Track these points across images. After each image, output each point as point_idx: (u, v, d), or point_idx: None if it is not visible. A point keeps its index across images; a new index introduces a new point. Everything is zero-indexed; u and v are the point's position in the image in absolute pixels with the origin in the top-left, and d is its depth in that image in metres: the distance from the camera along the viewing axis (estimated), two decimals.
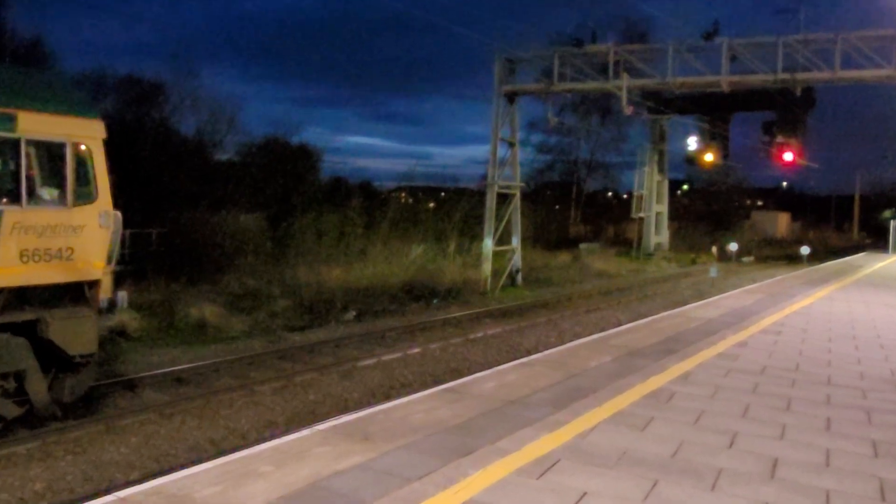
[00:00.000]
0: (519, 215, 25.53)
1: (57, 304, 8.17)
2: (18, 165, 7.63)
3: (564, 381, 7.56)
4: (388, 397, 10.52)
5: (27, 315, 7.85)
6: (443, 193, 33.52)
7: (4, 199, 7.64)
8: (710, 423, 6.22)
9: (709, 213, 56.82)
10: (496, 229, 23.92)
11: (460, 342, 14.92)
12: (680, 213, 48.98)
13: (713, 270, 25.67)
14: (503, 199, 24.81)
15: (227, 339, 14.42)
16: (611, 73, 22.80)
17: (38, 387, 8.00)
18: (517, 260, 25.11)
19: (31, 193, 7.80)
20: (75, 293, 8.38)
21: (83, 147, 8.21)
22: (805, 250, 35.64)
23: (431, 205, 30.88)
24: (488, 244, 23.53)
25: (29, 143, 7.74)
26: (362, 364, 12.61)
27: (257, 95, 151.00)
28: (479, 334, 15.79)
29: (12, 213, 7.56)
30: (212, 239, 21.74)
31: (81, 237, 8.10)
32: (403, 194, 31.60)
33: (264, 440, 7.80)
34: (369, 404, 9.80)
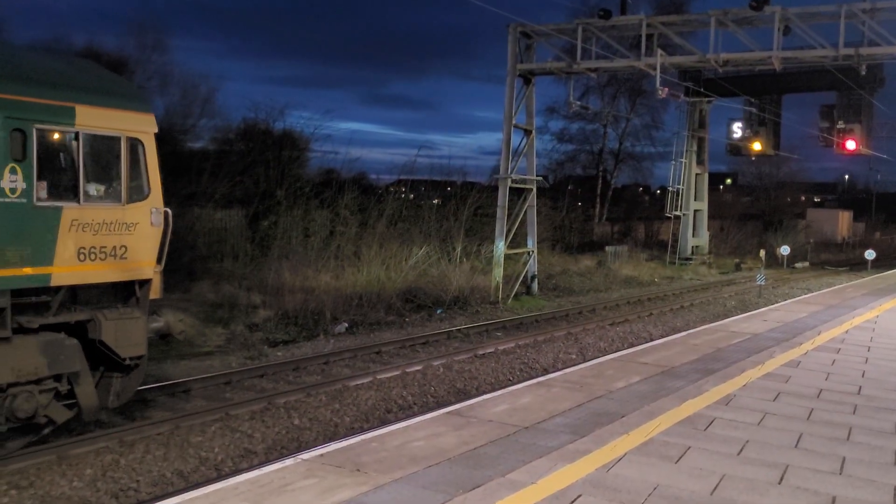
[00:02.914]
0: (535, 214, 25.51)
1: (108, 305, 8.98)
2: (76, 161, 8.36)
3: (586, 404, 7.55)
4: (383, 422, 10.52)
5: (81, 315, 8.56)
6: (448, 188, 33.56)
7: (63, 195, 8.32)
8: (756, 454, 6.20)
9: (756, 212, 56.78)
10: (509, 230, 23.91)
11: (467, 358, 14.94)
12: (722, 211, 48.93)
13: (760, 277, 25.63)
14: (518, 194, 24.80)
15: (199, 355, 14.45)
16: (643, 49, 22.75)
17: (88, 390, 8.65)
18: (533, 265, 25.11)
19: (88, 190, 8.52)
20: (125, 293, 9.19)
21: (137, 142, 8.99)
22: (870, 255, 35.49)
23: (435, 201, 30.92)
24: (500, 246, 23.54)
25: (86, 137, 8.44)
26: (355, 384, 12.62)
27: (236, 74, 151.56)
28: (489, 349, 15.80)
29: (71, 210, 8.26)
30: (183, 239, 21.77)
31: (134, 235, 8.95)
32: (403, 189, 31.65)
33: (240, 472, 7.84)
34: (362, 430, 9.82)
